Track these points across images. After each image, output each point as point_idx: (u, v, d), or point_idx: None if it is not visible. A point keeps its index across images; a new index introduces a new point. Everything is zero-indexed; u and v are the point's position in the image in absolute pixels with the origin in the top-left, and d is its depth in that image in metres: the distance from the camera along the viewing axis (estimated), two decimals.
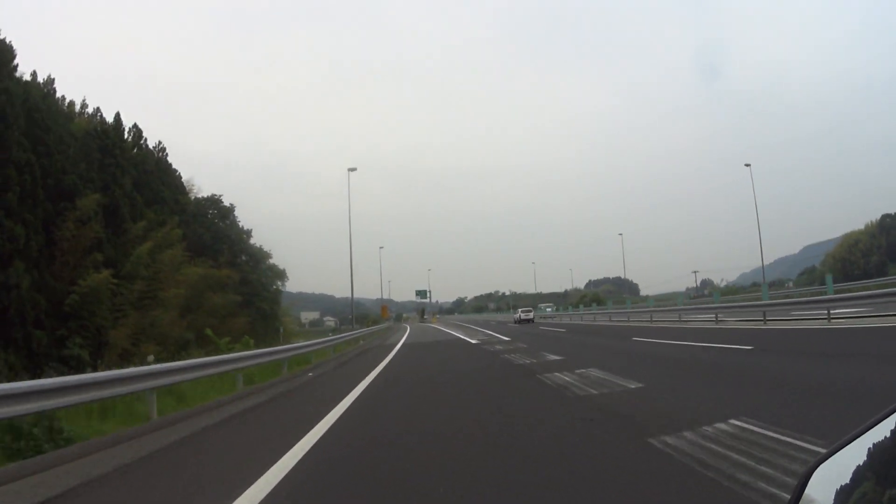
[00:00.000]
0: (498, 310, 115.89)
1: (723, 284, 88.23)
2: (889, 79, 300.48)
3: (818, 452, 1.23)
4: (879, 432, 0.83)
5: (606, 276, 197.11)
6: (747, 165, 44.41)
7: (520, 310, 53.66)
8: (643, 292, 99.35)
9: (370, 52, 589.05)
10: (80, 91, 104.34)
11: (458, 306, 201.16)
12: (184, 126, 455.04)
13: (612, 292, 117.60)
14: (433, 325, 58.83)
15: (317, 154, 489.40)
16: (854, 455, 0.86)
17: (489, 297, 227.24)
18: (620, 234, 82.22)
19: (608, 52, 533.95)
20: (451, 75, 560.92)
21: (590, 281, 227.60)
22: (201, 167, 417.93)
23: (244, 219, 49.32)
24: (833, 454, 0.90)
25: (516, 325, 41.44)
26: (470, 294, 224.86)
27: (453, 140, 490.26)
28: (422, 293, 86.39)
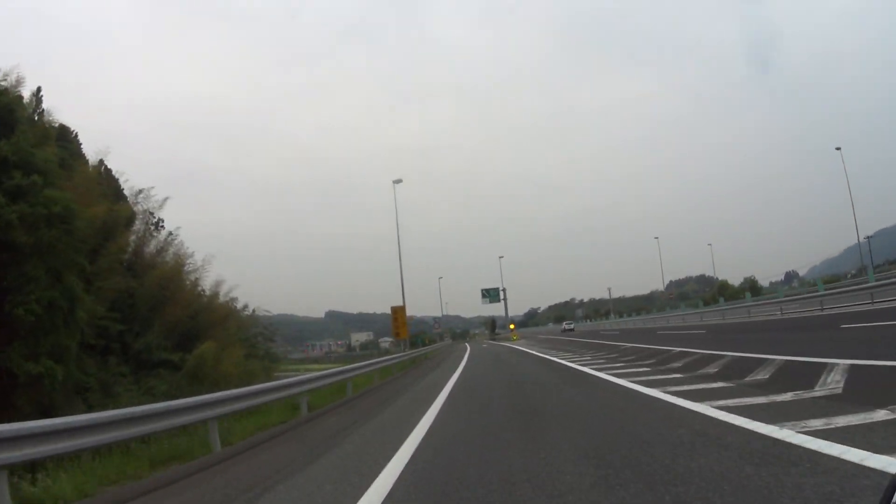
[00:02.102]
0: (586, 318, 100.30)
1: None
2: None
3: None
4: None
5: (689, 274, 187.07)
6: (838, 149, 42.90)
7: (564, 322, 68.18)
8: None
9: (425, 70, 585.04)
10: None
11: (531, 318, 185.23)
12: (239, 152, 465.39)
13: (698, 291, 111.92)
14: (513, 346, 37.44)
15: (371, 171, 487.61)
16: None
17: (565, 305, 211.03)
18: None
19: (663, 53, 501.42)
20: (506, 87, 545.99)
21: (671, 281, 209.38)
22: (259, 189, 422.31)
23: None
24: None
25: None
26: (543, 304, 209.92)
27: (513, 152, 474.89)
28: (491, 294, 58.49)
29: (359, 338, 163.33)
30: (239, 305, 29.11)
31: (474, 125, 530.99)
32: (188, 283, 23.33)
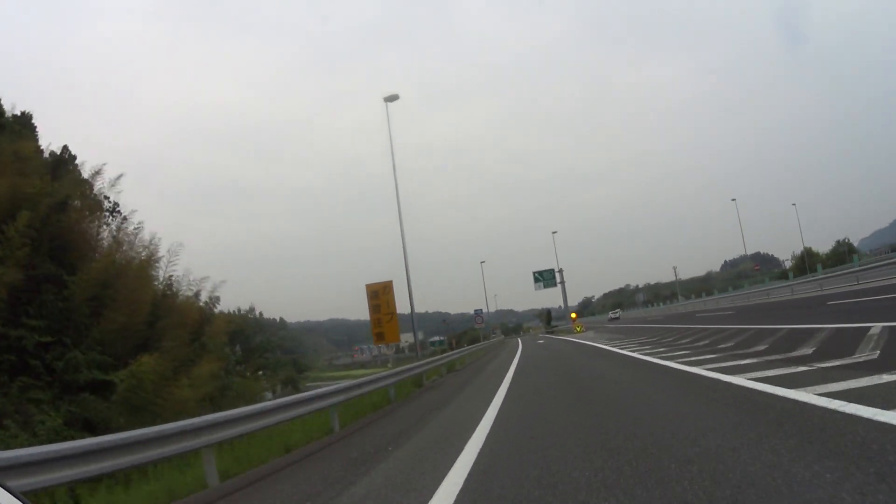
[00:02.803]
0: (647, 303, 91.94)
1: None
2: None
3: None
4: None
5: (744, 253, 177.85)
6: None
7: (609, 312, 76.66)
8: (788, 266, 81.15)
9: (459, 66, 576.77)
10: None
11: (586, 307, 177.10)
12: (279, 160, 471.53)
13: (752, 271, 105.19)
14: (579, 342, 28.39)
15: (410, 172, 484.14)
16: None
17: (620, 292, 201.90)
18: (733, 200, 69.56)
19: (694, 33, 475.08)
20: (540, 77, 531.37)
21: (725, 261, 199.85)
22: (297, 201, 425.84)
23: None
24: None
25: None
26: (598, 292, 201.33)
27: (554, 143, 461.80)
28: (545, 277, 48.90)
29: (408, 338, 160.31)
30: (233, 308, 23.69)
31: (512, 118, 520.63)
32: (145, 278, 17.63)
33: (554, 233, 52.12)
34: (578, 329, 41.69)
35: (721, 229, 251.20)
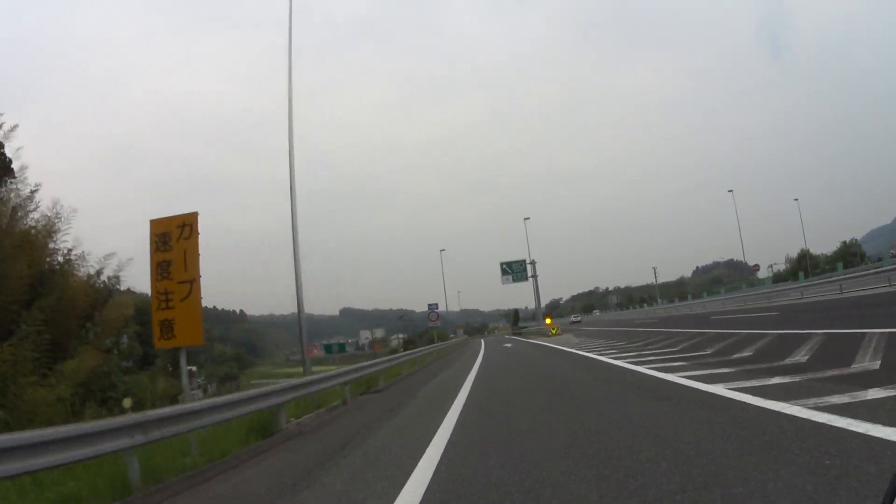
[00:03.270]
0: (621, 306, 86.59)
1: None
2: None
3: None
4: None
5: (716, 259, 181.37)
6: None
7: (572, 316, 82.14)
8: (762, 274, 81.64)
9: (439, 64, 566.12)
10: None
11: (554, 308, 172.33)
12: (250, 152, 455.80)
13: (729, 276, 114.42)
14: (558, 348, 22.25)
15: (387, 169, 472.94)
16: None
17: (590, 294, 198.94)
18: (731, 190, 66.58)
19: (671, 38, 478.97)
20: (520, 78, 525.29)
21: (697, 268, 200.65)
22: (268, 192, 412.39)
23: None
24: None
25: None
26: (566, 294, 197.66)
27: (530, 143, 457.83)
28: (514, 270, 40.95)
29: (368, 335, 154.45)
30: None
31: (490, 117, 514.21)
32: (30, 250, 12.90)
33: (526, 219, 44.57)
34: (554, 332, 34.59)
35: (694, 236, 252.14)
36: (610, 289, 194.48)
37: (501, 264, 41.47)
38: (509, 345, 32.04)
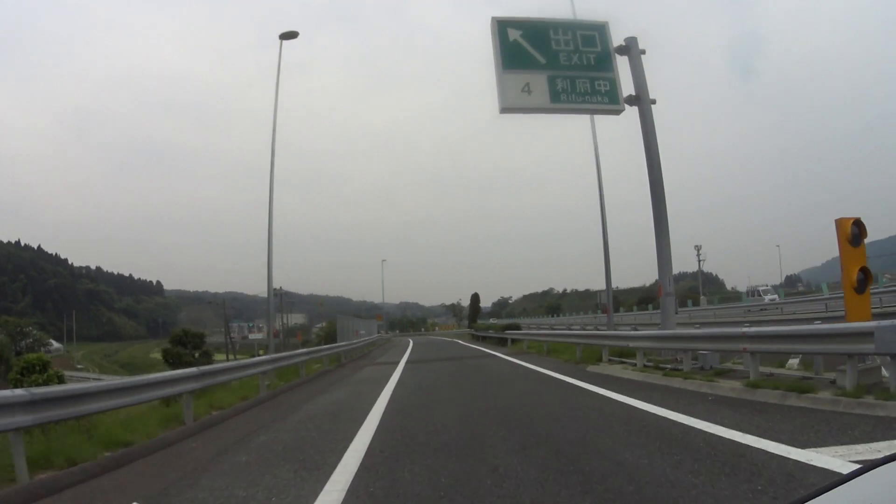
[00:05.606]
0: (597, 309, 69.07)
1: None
2: None
3: None
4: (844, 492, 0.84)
5: (684, 270, 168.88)
6: None
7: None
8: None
9: (399, 56, 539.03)
10: None
11: (503, 307, 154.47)
12: (210, 127, 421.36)
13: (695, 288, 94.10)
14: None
15: (344, 155, 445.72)
16: None
17: (544, 295, 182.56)
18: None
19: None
20: (479, 84, 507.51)
21: (657, 280, 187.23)
22: (227, 173, 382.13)
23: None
24: None
25: None
26: (516, 294, 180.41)
27: (487, 147, 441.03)
28: None
29: (296, 320, 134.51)
30: None
31: (450, 116, 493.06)
32: None
33: (384, 260, 26.68)
34: None
35: (648, 247, 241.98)
36: (568, 290, 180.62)
37: None
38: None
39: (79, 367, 75.93)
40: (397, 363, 18.82)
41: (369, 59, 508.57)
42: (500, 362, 16.23)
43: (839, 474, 2.60)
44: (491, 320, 51.17)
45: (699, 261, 64.82)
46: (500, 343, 26.40)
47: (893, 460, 0.87)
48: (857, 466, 0.89)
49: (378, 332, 54.89)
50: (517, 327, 26.49)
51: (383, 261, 65.67)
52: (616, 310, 63.52)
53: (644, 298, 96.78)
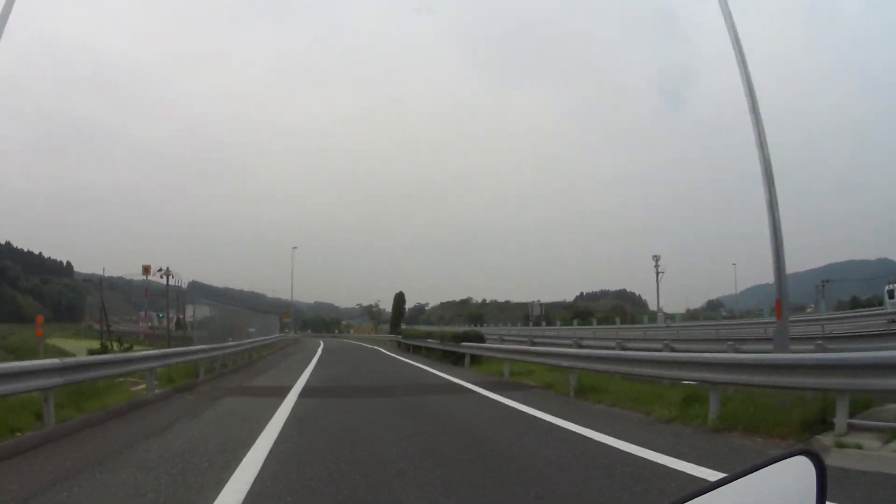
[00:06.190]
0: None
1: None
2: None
3: None
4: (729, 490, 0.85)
5: (605, 288, 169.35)
6: None
7: None
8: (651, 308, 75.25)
9: (325, 53, 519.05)
10: None
11: (420, 313, 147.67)
12: (126, 111, 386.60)
13: (619, 307, 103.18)
14: None
15: (254, 152, 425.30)
16: None
17: (463, 303, 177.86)
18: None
19: (565, 72, 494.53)
20: (405, 89, 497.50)
21: (581, 293, 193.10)
22: (144, 156, 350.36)
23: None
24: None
25: None
26: (433, 300, 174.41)
27: (408, 154, 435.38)
28: None
29: (201, 311, 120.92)
30: None
31: (370, 118, 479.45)
32: None
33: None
34: None
35: (568, 262, 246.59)
36: (488, 300, 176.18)
37: None
38: None
39: None
40: (290, 387, 10.52)
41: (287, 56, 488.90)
42: (513, 420, 7.73)
43: None
44: (403, 327, 44.01)
45: (657, 272, 59.41)
46: (449, 360, 18.45)
47: (759, 469, 0.87)
48: (723, 475, 0.88)
49: (284, 332, 45.42)
50: (478, 337, 18.33)
51: (294, 248, 56.55)
52: (550, 323, 57.85)
53: (577, 314, 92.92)
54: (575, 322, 58.39)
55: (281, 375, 14.50)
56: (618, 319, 56.21)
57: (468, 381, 11.94)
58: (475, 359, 16.72)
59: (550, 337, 32.74)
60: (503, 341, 18.81)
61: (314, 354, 23.93)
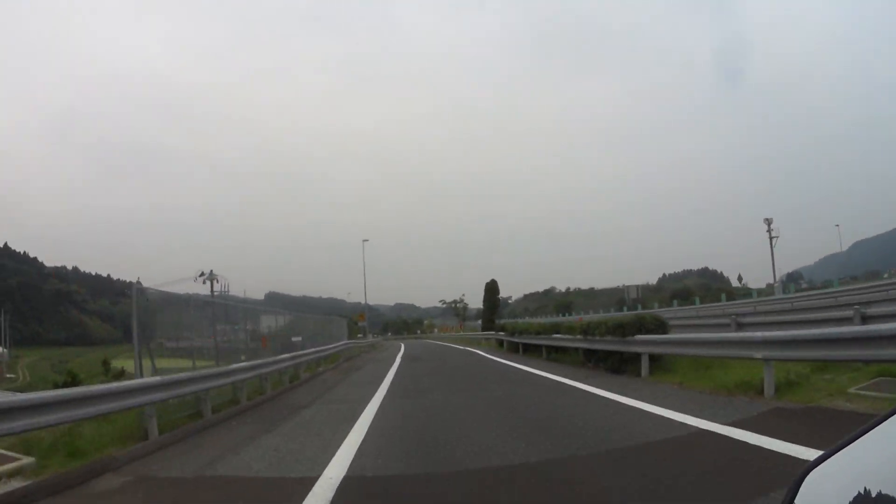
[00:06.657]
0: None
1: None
2: None
3: None
4: (873, 438, 0.83)
5: (687, 268, 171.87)
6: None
7: None
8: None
9: (379, 57, 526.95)
10: None
11: (504, 307, 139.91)
12: (194, 131, 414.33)
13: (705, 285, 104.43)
14: None
15: (325, 157, 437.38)
16: (847, 460, 0.83)
17: (546, 294, 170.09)
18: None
19: (622, 56, 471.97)
20: (472, 84, 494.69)
21: (664, 274, 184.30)
22: (215, 175, 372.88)
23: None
24: (826, 458, 0.86)
25: None
26: (515, 293, 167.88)
27: (475, 149, 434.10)
28: None
29: (270, 323, 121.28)
30: None
31: (438, 119, 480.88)
32: None
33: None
34: None
35: (645, 245, 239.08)
36: (571, 289, 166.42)
37: None
38: None
39: (9, 376, 65.92)
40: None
41: (352, 62, 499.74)
42: None
43: None
44: (502, 321, 37.90)
45: (771, 238, 49.21)
46: (602, 366, 11.20)
47: None
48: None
49: (357, 337, 39.82)
50: (659, 325, 10.46)
51: (364, 240, 51.42)
52: (646, 306, 50.13)
53: (675, 294, 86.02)
54: (675, 302, 55.73)
55: (323, 421, 7.87)
56: (723, 296, 51.73)
57: (727, 423, 4.86)
58: (654, 361, 9.49)
59: (691, 317, 24.53)
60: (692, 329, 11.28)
61: (389, 368, 17.23)
